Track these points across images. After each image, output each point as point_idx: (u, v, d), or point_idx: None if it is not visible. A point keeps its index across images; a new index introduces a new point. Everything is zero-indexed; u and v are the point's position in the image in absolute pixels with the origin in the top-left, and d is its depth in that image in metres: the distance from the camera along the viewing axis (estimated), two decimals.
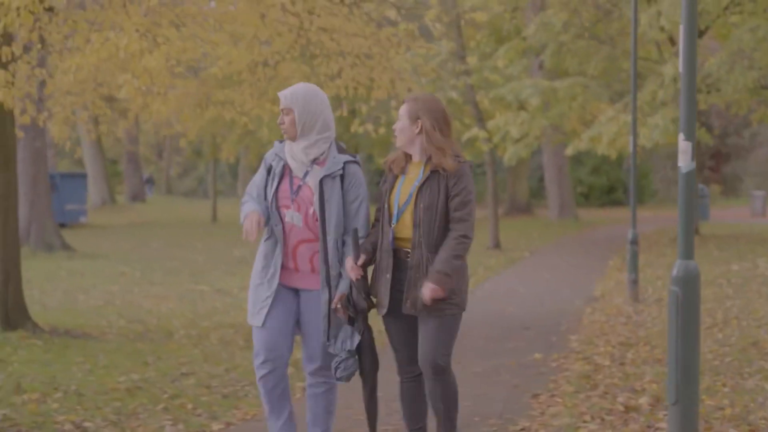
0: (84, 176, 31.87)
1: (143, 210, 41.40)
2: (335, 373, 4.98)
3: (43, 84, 10.04)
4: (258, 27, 8.22)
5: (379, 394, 5.10)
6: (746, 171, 45.79)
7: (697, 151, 23.49)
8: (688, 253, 4.76)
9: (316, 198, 4.97)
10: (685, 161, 4.77)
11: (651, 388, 7.13)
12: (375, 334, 5.07)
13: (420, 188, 4.93)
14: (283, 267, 5.04)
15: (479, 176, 34.23)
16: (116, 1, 7.79)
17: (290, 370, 5.47)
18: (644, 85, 20.48)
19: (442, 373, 4.95)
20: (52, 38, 9.21)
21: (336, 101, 11.97)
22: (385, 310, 4.99)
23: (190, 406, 6.70)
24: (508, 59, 23.32)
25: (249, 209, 5.01)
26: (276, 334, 5.03)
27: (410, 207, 4.94)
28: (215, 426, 6.18)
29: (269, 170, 5.10)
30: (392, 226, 4.95)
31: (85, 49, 7.51)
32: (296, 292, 5.07)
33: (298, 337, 5.15)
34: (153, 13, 7.23)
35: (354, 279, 4.92)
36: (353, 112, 25.10)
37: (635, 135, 13.28)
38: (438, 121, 4.96)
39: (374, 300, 5.04)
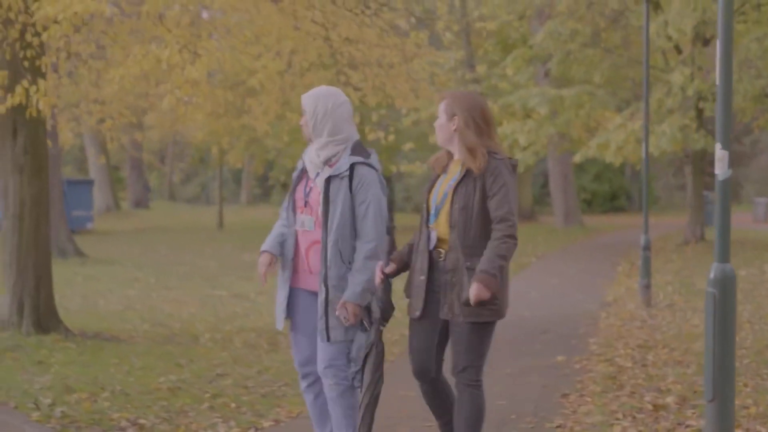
0: (91, 183, 32.03)
1: (147, 216, 41.58)
2: (353, 382, 4.92)
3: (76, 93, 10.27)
4: (294, 39, 8.46)
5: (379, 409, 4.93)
6: (747, 177, 46.09)
7: (701, 158, 23.79)
8: (724, 257, 4.94)
9: (321, 197, 4.94)
10: (722, 169, 4.92)
11: (675, 388, 7.34)
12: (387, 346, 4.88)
13: (456, 188, 4.73)
14: (298, 270, 5.07)
15: None
16: (152, 13, 8.02)
17: None
18: (651, 93, 20.70)
19: (471, 385, 4.72)
20: (80, 48, 9.46)
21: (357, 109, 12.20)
22: (418, 313, 4.78)
23: (233, 405, 6.88)
24: (515, 67, 23.55)
25: (264, 247, 5.06)
26: (305, 348, 5.09)
27: (446, 207, 4.75)
28: (265, 423, 6.34)
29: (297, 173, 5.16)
30: (429, 226, 4.79)
31: (125, 60, 7.74)
32: (315, 295, 5.05)
33: None
34: (194, 26, 7.48)
35: (376, 284, 4.81)
36: (362, 121, 25.32)
37: (647, 143, 13.48)
38: (474, 118, 4.78)
39: (394, 310, 4.86)
